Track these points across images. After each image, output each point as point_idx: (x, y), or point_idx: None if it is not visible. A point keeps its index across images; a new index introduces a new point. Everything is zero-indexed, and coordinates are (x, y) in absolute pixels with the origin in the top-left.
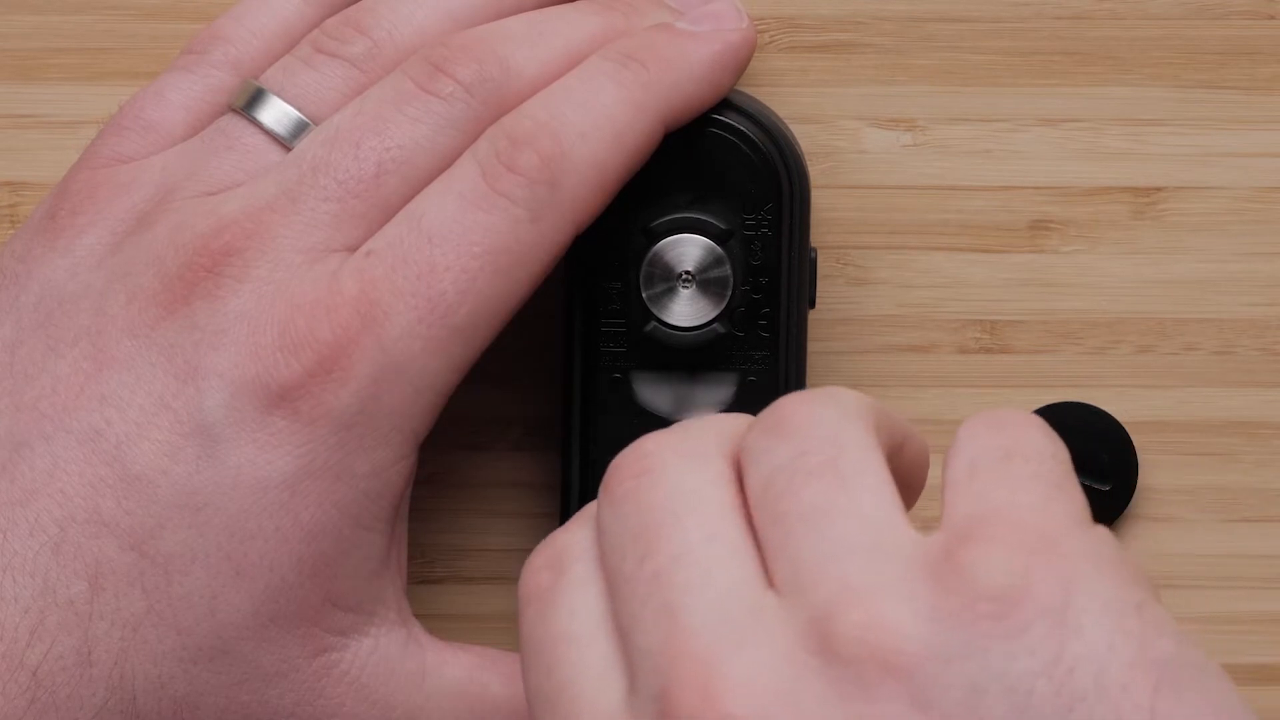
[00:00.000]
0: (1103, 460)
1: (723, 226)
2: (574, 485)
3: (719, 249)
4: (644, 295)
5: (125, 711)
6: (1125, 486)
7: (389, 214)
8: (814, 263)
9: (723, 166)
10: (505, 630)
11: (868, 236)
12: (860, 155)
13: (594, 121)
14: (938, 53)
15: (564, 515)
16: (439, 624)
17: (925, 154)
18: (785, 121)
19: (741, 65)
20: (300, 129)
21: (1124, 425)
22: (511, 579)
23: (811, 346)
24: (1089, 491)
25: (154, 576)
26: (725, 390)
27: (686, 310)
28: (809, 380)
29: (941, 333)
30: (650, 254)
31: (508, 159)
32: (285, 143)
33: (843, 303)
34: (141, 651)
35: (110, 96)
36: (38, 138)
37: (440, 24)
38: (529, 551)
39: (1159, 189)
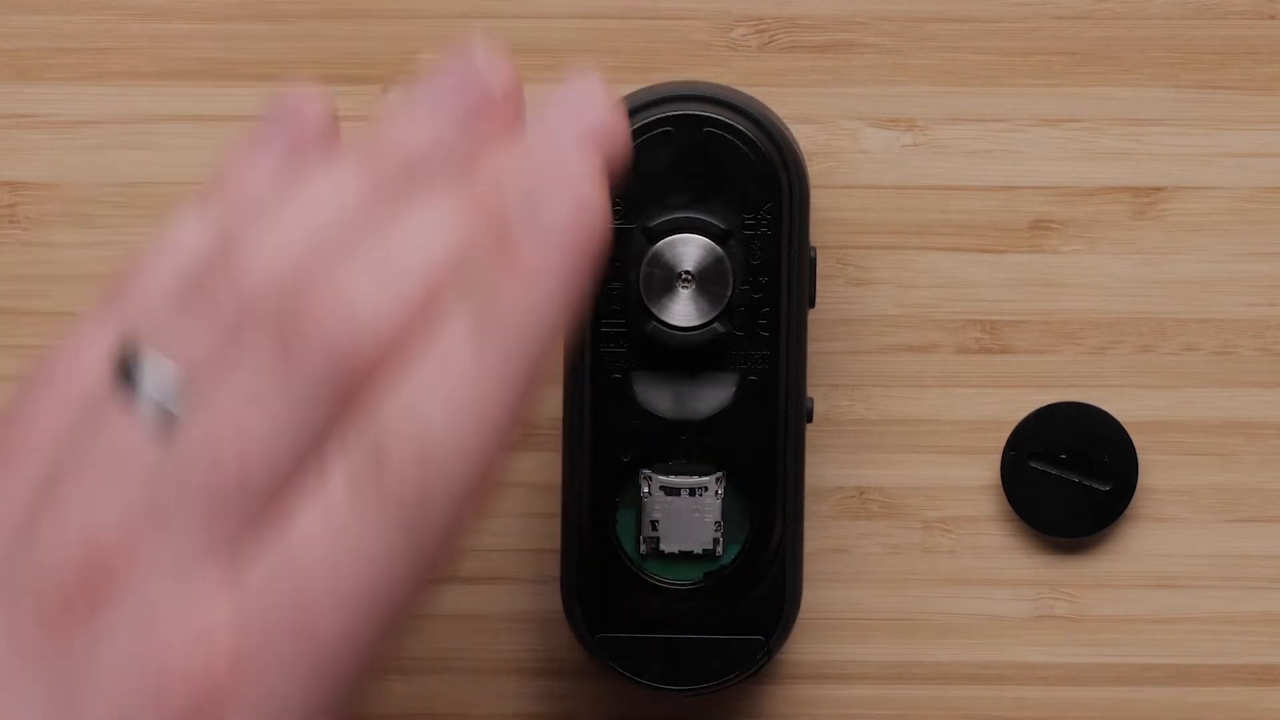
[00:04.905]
0: (1103, 460)
1: (722, 226)
2: (575, 485)
3: (718, 249)
4: (644, 295)
5: None
6: (1125, 486)
7: (259, 520)
8: (814, 262)
9: (722, 166)
10: (506, 630)
11: (867, 236)
12: (860, 155)
13: (460, 419)
14: (938, 53)
15: (564, 515)
16: (439, 624)
17: (925, 154)
18: (785, 121)
19: (597, 257)
20: (171, 416)
21: (1124, 425)
22: (511, 579)
23: (811, 346)
24: (1089, 492)
25: None
26: (725, 390)
27: (686, 310)
28: (809, 380)
29: (941, 333)
30: (650, 254)
31: (375, 480)
32: (158, 425)
33: (842, 302)
34: None
35: (110, 97)
36: (38, 138)
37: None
38: (529, 552)
39: (1158, 189)
